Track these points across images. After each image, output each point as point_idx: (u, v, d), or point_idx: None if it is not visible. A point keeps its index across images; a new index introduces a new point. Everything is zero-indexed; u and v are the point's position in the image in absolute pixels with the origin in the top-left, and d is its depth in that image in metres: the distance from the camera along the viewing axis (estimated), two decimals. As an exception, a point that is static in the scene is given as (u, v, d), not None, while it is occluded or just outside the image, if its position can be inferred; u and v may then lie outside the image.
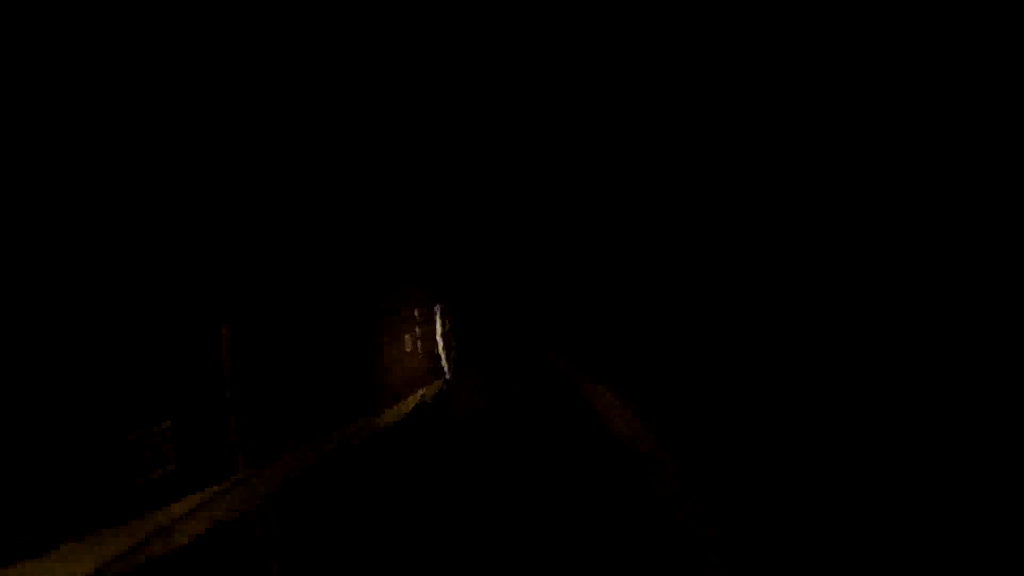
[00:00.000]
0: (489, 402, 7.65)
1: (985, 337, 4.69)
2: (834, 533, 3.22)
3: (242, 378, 4.39)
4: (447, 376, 10.30)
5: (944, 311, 5.07)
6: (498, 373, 10.80)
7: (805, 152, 6.33)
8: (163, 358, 3.84)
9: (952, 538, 3.09)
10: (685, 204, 9.60)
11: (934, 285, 5.13)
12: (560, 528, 3.47)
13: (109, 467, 3.34)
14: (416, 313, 10.07)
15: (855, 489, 3.82)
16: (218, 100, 4.51)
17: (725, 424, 5.80)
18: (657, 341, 11.79)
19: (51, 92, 3.41)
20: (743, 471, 4.34)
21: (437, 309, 11.45)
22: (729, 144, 7.58)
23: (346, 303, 6.50)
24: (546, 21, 6.40)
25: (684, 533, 3.35)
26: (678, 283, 10.81)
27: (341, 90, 5.97)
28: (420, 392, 8.26)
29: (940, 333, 5.10)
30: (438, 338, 10.92)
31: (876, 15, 5.00)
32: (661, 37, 6.56)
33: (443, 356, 10.80)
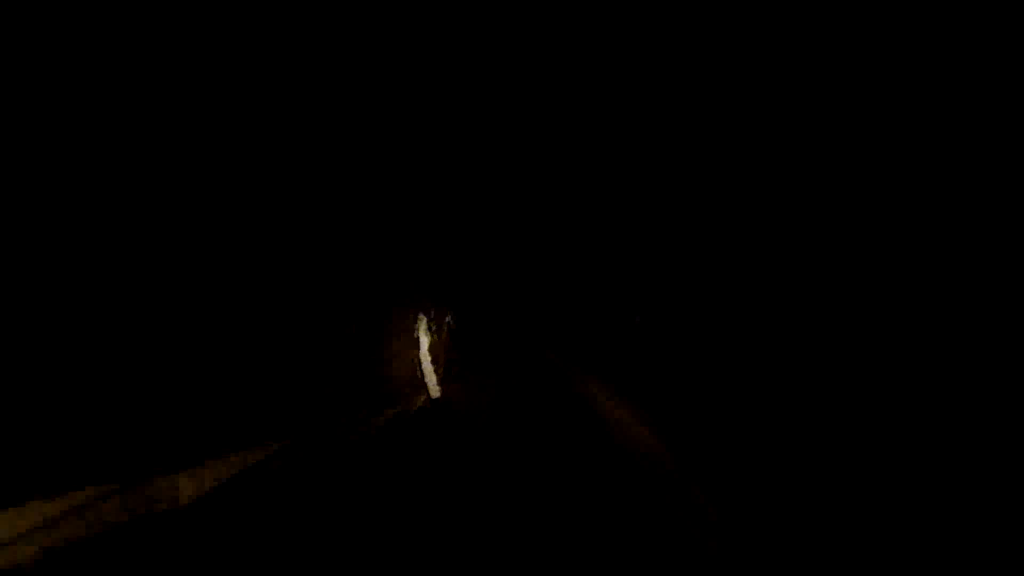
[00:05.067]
0: (491, 399, 7.66)
1: (985, 337, 4.69)
2: (836, 531, 3.22)
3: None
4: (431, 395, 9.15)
5: (943, 311, 5.07)
6: (499, 374, 10.81)
7: (804, 152, 6.34)
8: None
9: (952, 538, 3.10)
10: (684, 206, 9.63)
11: (933, 285, 5.14)
12: (557, 523, 3.49)
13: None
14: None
15: (857, 487, 3.83)
16: (215, 107, 4.53)
17: (725, 421, 5.81)
18: (656, 340, 11.81)
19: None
20: (745, 467, 4.35)
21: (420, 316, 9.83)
22: (728, 145, 7.59)
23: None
24: (545, 23, 6.42)
25: (684, 529, 3.37)
26: (677, 283, 10.82)
27: (342, 99, 5.98)
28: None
29: (936, 333, 5.10)
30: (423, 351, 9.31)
31: (876, 15, 5.01)
32: (659, 38, 6.58)
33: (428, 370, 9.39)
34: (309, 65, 5.30)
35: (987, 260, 4.62)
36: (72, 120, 3.52)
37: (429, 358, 9.20)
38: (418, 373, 8.58)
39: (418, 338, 8.93)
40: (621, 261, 14.53)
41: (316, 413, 5.62)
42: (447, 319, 12.76)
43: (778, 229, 7.10)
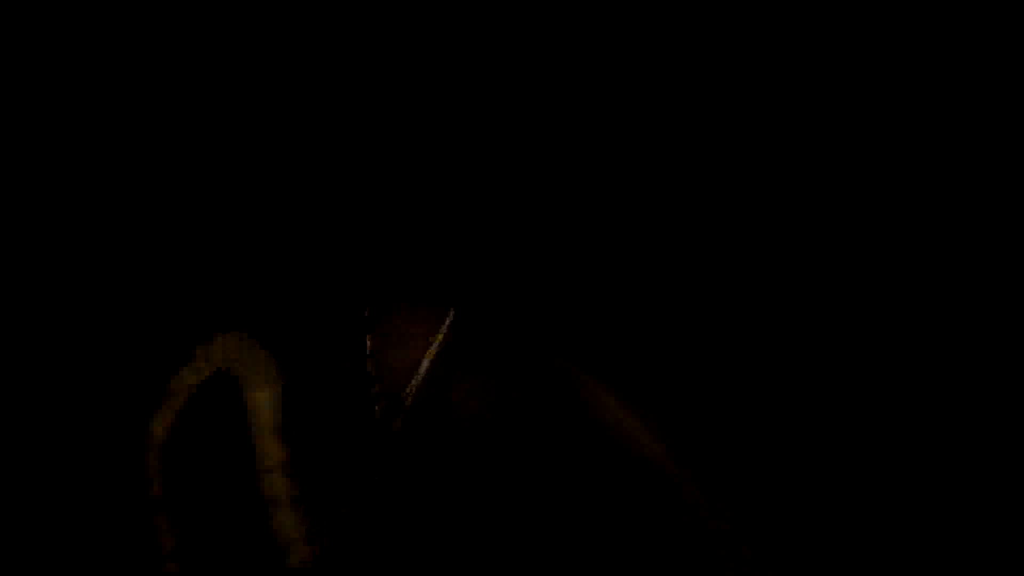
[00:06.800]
0: (492, 400, 7.66)
1: (985, 337, 4.69)
2: (843, 532, 3.22)
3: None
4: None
5: (943, 311, 5.07)
6: (500, 375, 10.81)
7: (805, 152, 6.34)
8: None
9: (952, 538, 3.09)
10: (688, 206, 9.61)
11: (932, 286, 5.13)
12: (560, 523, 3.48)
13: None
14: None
15: (861, 488, 3.82)
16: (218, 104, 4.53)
17: (731, 426, 5.79)
18: (659, 339, 11.80)
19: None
20: (751, 468, 4.34)
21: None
22: (730, 144, 7.59)
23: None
24: (546, 22, 6.42)
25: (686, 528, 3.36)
26: (677, 282, 10.81)
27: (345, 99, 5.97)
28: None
29: (939, 333, 5.10)
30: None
31: (876, 15, 5.01)
32: (659, 37, 6.57)
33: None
34: (310, 64, 5.30)
35: (987, 260, 4.61)
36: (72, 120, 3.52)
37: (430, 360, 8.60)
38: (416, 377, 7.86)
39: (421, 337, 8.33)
40: (627, 262, 14.51)
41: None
42: (451, 317, 12.72)
43: (780, 230, 7.09)
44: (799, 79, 5.90)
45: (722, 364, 8.51)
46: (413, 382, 8.43)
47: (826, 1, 5.35)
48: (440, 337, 13.88)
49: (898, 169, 5.26)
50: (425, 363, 9.63)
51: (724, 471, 4.43)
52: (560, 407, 7.28)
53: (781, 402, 6.17)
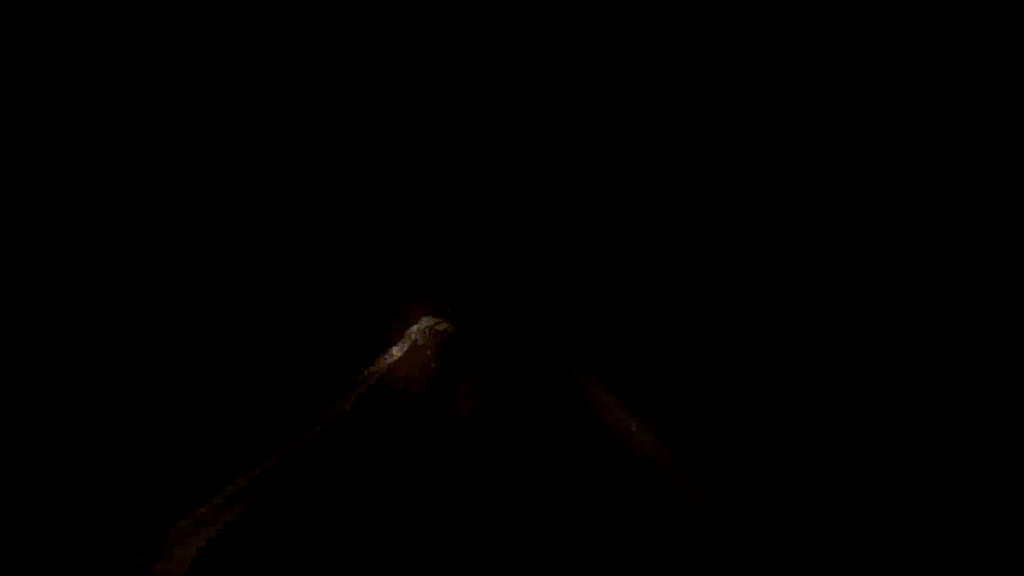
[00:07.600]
0: (492, 400, 7.65)
1: (985, 337, 4.68)
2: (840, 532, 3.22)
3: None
4: None
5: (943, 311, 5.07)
6: (500, 376, 10.80)
7: (802, 154, 6.34)
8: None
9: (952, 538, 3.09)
10: (684, 206, 9.62)
11: (931, 285, 5.14)
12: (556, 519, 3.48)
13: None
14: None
15: (859, 489, 3.82)
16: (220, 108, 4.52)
17: (734, 430, 5.79)
18: (659, 340, 11.80)
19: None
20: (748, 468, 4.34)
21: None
22: (728, 145, 7.59)
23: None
24: (546, 24, 6.42)
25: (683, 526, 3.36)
26: (678, 282, 10.80)
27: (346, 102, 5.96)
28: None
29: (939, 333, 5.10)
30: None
31: (876, 15, 5.01)
32: (659, 37, 6.57)
33: None
34: (315, 66, 5.30)
35: (987, 260, 4.61)
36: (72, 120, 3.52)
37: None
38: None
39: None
40: (625, 262, 14.51)
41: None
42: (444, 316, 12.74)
43: (776, 230, 7.09)
44: (796, 79, 5.91)
45: (722, 364, 8.51)
46: (396, 364, 8.42)
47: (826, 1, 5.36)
48: (431, 326, 13.87)
49: (896, 169, 5.26)
50: (400, 351, 9.63)
51: (724, 471, 4.43)
52: (560, 407, 7.27)
53: (781, 402, 6.17)
